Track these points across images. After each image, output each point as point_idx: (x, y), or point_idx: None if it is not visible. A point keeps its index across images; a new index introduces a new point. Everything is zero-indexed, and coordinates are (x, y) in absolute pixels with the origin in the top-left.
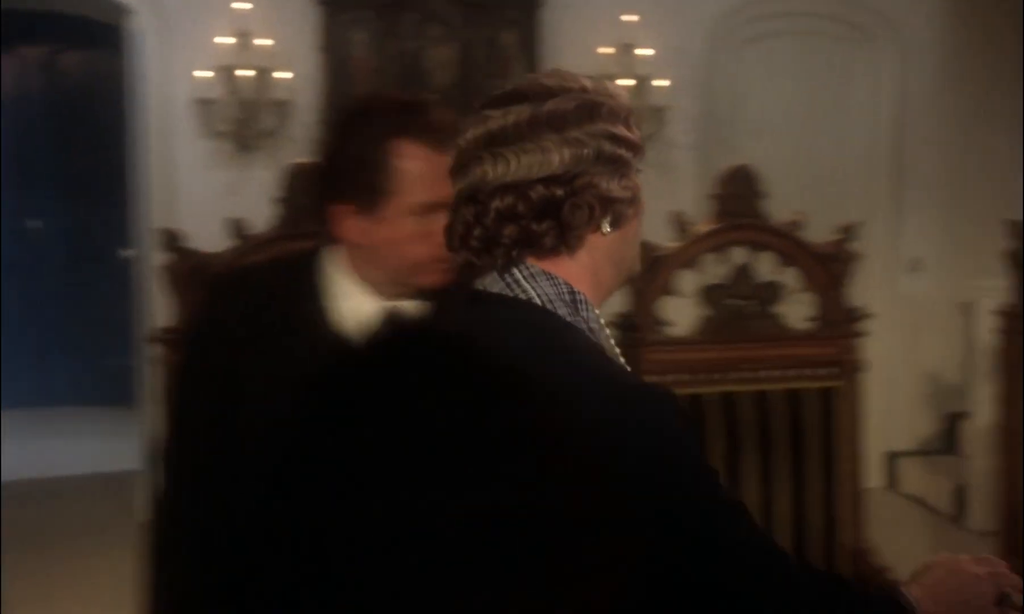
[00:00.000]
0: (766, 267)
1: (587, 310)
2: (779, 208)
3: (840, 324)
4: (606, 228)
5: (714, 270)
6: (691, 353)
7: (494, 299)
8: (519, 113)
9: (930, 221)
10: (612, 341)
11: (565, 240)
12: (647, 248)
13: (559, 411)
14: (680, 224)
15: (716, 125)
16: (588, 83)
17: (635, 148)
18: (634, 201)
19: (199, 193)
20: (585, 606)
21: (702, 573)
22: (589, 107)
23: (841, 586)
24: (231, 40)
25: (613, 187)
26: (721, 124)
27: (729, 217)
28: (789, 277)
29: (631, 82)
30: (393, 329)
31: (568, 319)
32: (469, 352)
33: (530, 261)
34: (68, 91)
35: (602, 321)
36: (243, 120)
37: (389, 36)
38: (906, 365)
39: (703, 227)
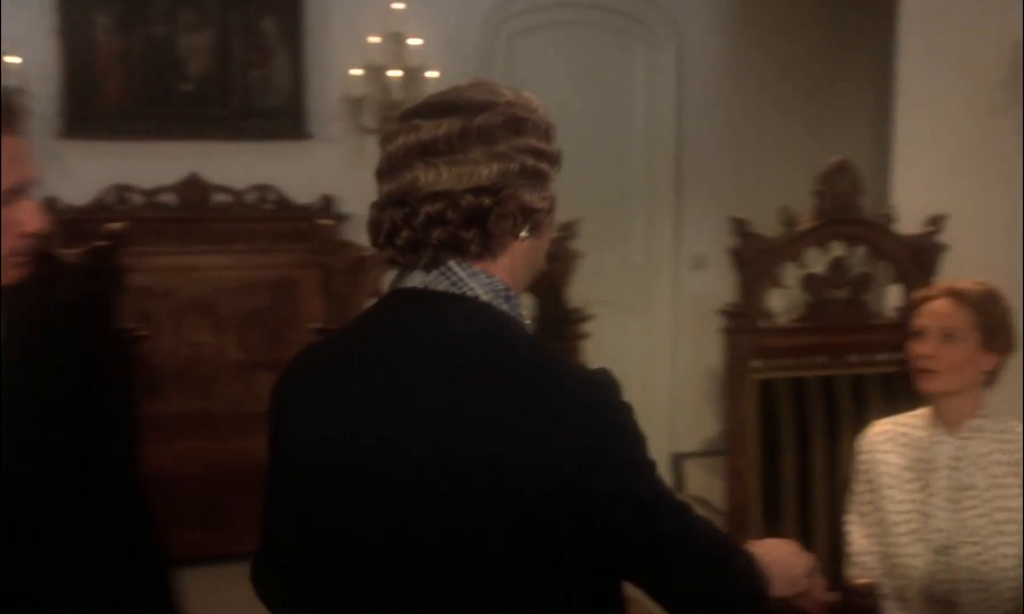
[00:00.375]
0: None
1: (517, 307)
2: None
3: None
4: (524, 235)
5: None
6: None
7: (441, 295)
8: (450, 125)
9: (712, 218)
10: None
11: (489, 246)
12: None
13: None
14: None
15: None
16: (512, 96)
17: (554, 161)
18: (551, 211)
19: None
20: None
21: (626, 539)
22: (515, 122)
23: (730, 549)
24: None
25: (534, 199)
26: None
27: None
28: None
29: (399, 73)
30: None
31: (509, 313)
32: None
33: (453, 262)
34: None
35: (524, 315)
36: None
37: (136, 21)
38: (691, 365)
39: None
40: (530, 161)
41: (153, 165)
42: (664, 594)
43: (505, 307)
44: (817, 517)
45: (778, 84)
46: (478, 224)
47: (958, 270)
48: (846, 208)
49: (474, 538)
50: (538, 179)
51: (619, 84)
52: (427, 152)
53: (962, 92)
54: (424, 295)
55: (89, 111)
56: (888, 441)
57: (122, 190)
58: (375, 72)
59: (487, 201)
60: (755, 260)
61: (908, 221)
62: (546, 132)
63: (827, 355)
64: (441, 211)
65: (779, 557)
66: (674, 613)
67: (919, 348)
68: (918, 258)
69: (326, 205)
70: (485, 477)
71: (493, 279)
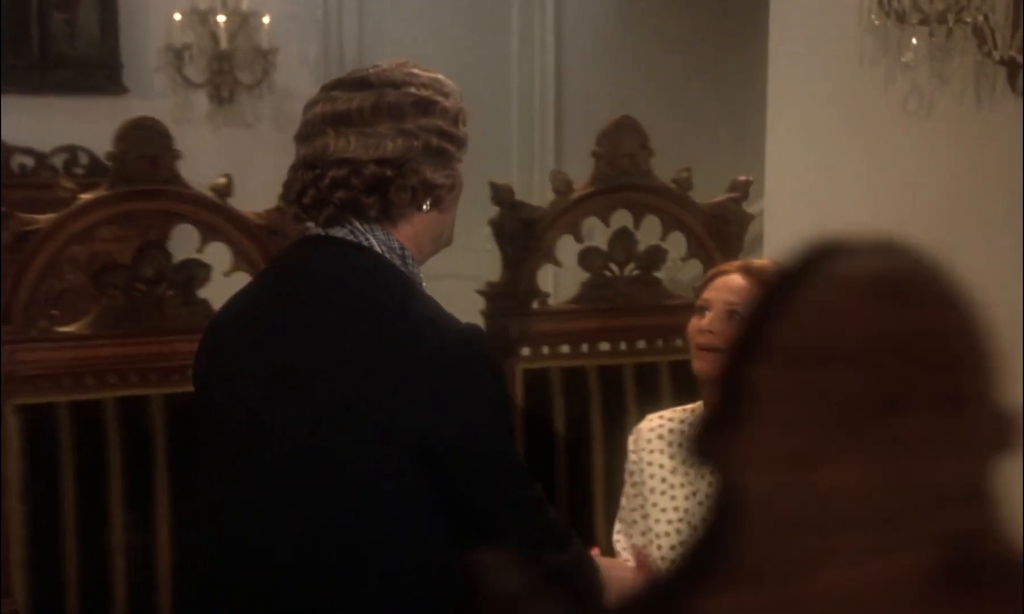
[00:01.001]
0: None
1: (413, 265)
2: None
3: None
4: (427, 208)
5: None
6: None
7: (338, 240)
8: (363, 99)
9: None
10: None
11: (389, 214)
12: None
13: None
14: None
15: (341, 69)
16: (428, 80)
17: (460, 144)
18: (453, 188)
19: None
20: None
21: (473, 489)
22: (425, 103)
23: (574, 554)
24: None
25: (436, 176)
26: (348, 67)
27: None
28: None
29: (223, 20)
30: None
31: (400, 268)
32: None
33: (354, 219)
34: None
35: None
36: None
37: None
38: None
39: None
40: (435, 140)
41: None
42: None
43: (398, 262)
44: (596, 528)
45: (667, 25)
46: (379, 192)
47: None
48: (631, 172)
49: (333, 456)
50: (442, 158)
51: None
52: (340, 122)
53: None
54: (322, 240)
55: None
56: (658, 439)
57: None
58: (200, 17)
59: (389, 172)
60: (520, 233)
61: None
62: (455, 117)
63: (610, 341)
64: (346, 176)
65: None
66: None
67: (699, 322)
68: (720, 229)
69: None
70: (350, 402)
71: (390, 237)
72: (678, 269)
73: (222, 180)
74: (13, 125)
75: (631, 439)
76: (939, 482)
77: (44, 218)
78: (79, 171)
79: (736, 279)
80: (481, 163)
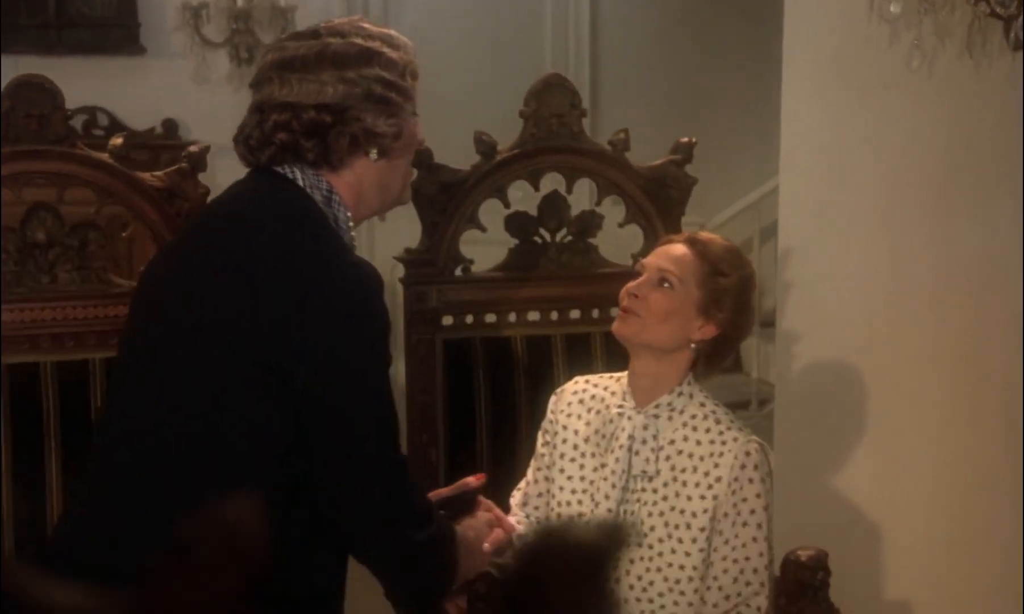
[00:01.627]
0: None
1: (339, 208)
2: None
3: None
4: (374, 156)
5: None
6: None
7: (268, 174)
8: (309, 47)
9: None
10: (355, 245)
11: (327, 159)
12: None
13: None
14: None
15: None
16: (378, 34)
17: (406, 95)
18: (399, 137)
19: None
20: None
21: (322, 415)
22: (369, 54)
23: (429, 521)
24: None
25: (379, 123)
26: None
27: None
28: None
29: None
30: None
31: (321, 206)
32: None
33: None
34: None
35: (351, 226)
36: None
37: None
38: None
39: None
40: (378, 89)
41: None
42: (335, 508)
43: (320, 199)
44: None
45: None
46: (318, 137)
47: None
48: (561, 134)
49: (197, 357)
50: (385, 106)
51: None
52: (285, 68)
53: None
54: (252, 174)
55: None
56: (578, 403)
57: None
58: None
59: (328, 118)
60: (439, 197)
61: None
62: (403, 69)
63: (540, 310)
64: (287, 120)
65: (468, 542)
66: (343, 537)
67: (629, 286)
68: (660, 194)
69: (169, 130)
70: (224, 313)
71: (320, 179)
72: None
73: (117, 141)
74: None
75: (552, 399)
76: None
77: None
78: (98, 132)
79: (678, 248)
80: (511, 139)
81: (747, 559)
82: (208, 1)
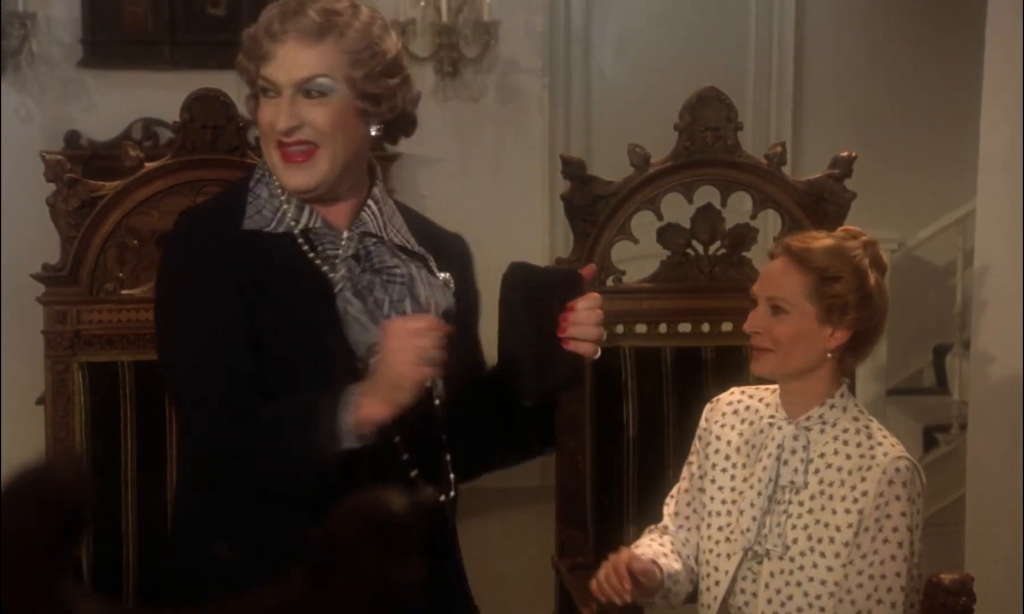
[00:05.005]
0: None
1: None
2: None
3: None
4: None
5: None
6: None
7: None
8: None
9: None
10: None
11: None
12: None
13: None
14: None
15: (567, 41)
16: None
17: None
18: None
19: None
20: None
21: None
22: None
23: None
24: None
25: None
26: (574, 40)
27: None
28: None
29: None
30: None
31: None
32: None
33: None
34: None
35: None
36: None
37: None
38: None
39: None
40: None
41: (182, 98)
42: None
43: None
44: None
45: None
46: None
47: None
48: (715, 147)
49: None
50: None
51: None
52: None
53: None
54: None
55: (113, 37)
56: (732, 413)
57: (149, 124)
58: None
59: None
60: (590, 208)
61: None
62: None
63: (691, 322)
64: None
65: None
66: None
67: (748, 322)
68: (817, 208)
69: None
70: None
71: None
72: None
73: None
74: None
75: (707, 408)
76: None
77: (110, 185)
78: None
79: (778, 267)
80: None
81: (883, 577)
82: (415, 17)
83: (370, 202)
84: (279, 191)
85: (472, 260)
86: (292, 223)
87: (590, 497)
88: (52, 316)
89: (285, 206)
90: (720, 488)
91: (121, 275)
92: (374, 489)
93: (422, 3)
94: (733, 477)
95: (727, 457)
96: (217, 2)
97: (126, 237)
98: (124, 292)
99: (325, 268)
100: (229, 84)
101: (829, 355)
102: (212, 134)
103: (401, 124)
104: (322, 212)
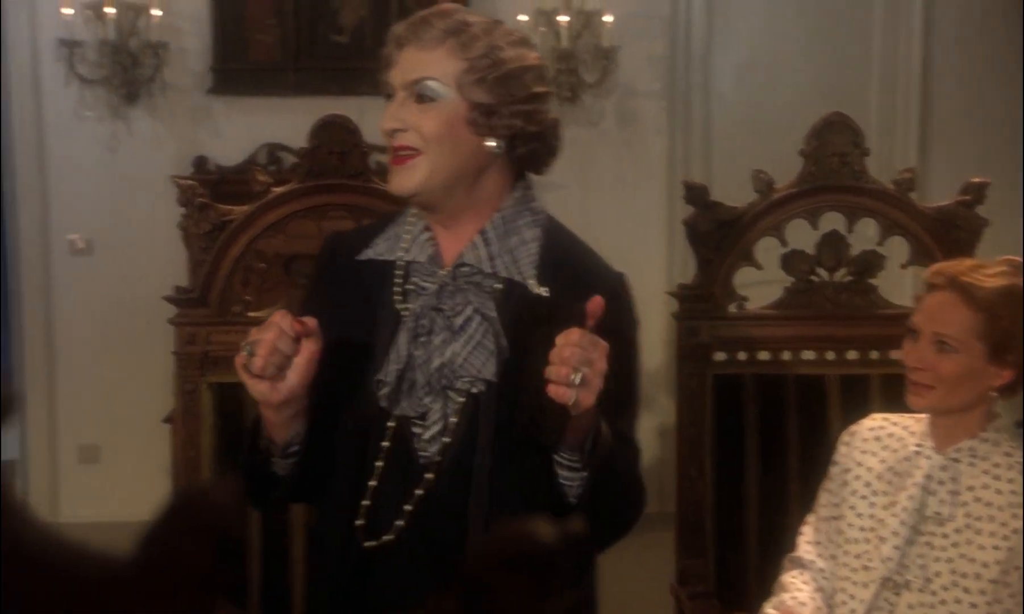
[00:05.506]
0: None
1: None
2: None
3: None
4: None
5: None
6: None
7: None
8: None
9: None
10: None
11: None
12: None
13: None
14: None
15: (687, 66)
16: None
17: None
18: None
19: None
20: None
21: None
22: None
23: None
24: None
25: None
26: (694, 64)
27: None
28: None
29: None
30: None
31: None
32: None
33: None
34: None
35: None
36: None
37: None
38: None
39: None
40: None
41: (306, 123)
42: None
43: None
44: (785, 545)
45: None
46: None
47: None
48: (841, 173)
49: None
50: None
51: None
52: None
53: None
54: None
55: (240, 65)
56: (874, 440)
57: (274, 149)
58: (545, 17)
59: None
60: (713, 234)
61: None
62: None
63: (815, 350)
64: None
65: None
66: None
67: (909, 354)
68: (948, 235)
69: None
70: None
71: None
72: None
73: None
74: (372, 125)
75: (845, 435)
76: None
77: (240, 209)
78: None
79: (945, 300)
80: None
81: None
82: (535, 43)
83: (485, 228)
84: (420, 223)
85: (618, 300)
86: (401, 253)
87: (710, 525)
88: (183, 337)
89: (408, 237)
90: (859, 515)
91: (247, 297)
92: (526, 519)
93: (542, 29)
94: (873, 504)
95: (868, 484)
96: (341, 30)
97: (253, 260)
98: (251, 314)
99: (399, 298)
100: (351, 109)
101: (993, 393)
102: (338, 159)
103: (532, 148)
104: (442, 242)
